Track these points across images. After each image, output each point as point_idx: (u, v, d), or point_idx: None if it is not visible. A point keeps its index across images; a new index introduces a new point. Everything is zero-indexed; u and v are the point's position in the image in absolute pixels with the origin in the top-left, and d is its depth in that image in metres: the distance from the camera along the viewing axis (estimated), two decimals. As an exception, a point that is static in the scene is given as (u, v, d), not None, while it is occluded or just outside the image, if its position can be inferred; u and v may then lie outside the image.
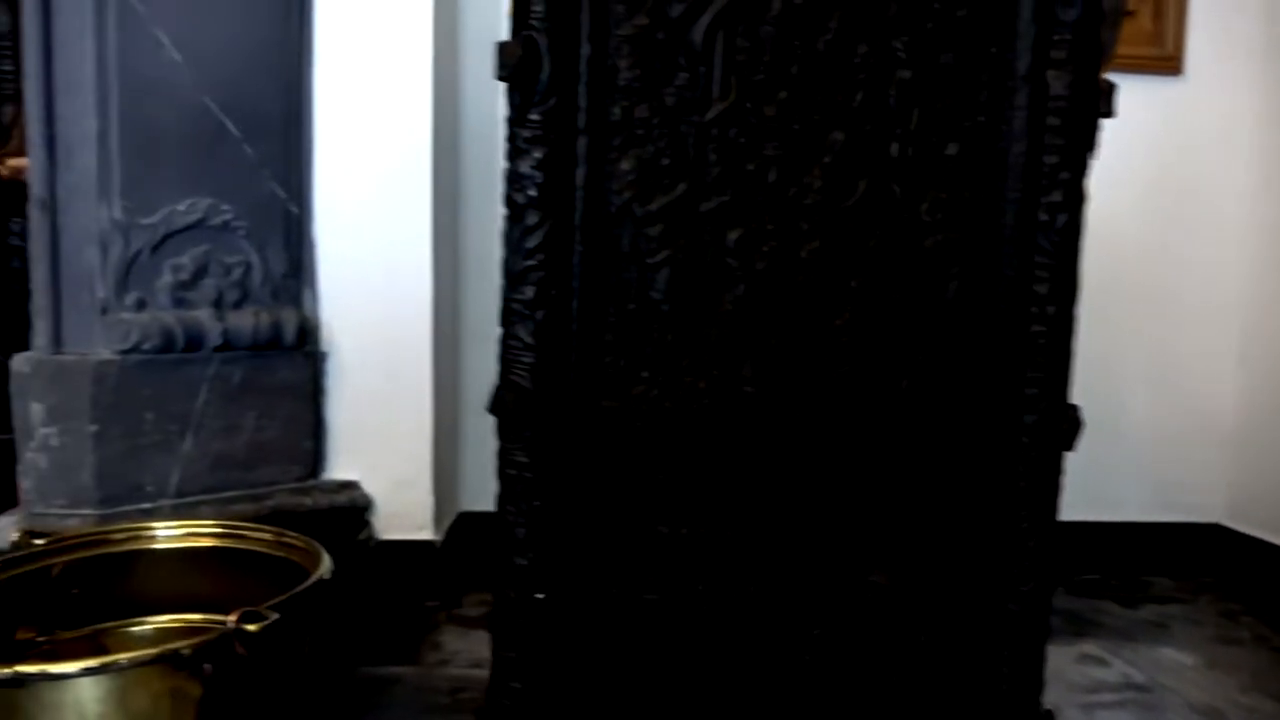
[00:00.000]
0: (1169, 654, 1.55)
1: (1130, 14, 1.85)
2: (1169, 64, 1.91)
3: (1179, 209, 1.95)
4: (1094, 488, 1.81)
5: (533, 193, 0.79)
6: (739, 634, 0.85)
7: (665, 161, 0.81)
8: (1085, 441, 0.87)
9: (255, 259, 1.48)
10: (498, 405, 0.82)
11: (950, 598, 0.86)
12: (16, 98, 1.87)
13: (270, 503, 1.47)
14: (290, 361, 1.51)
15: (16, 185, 1.74)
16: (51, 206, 1.35)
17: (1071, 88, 0.82)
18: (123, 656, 0.93)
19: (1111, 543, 1.94)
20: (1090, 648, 1.56)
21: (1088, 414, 0.86)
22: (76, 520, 1.34)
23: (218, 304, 1.44)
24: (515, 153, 0.80)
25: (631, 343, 0.83)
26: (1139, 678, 1.45)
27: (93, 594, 1.16)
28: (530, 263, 0.80)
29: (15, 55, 1.82)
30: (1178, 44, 1.92)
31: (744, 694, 0.86)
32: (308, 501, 1.51)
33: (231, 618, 0.92)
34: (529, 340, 0.80)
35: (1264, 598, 1.81)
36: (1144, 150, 1.89)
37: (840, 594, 0.85)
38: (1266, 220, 1.93)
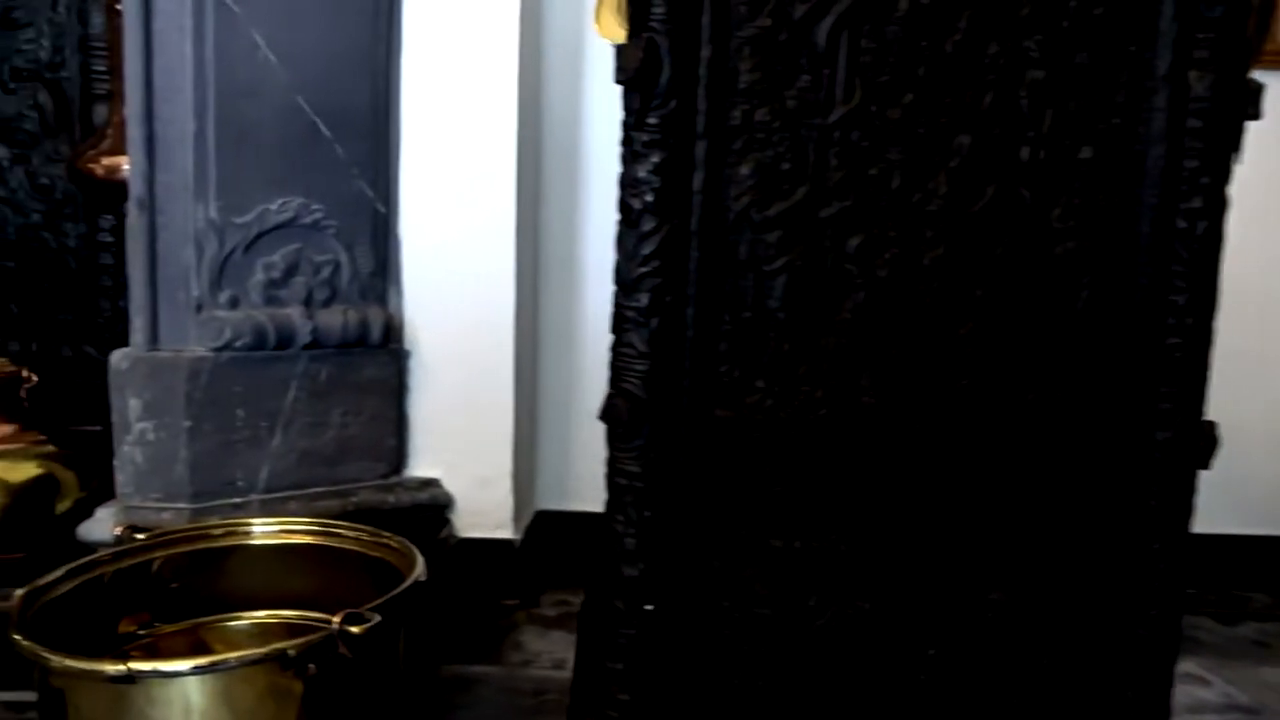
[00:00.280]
0: (1272, 674, 1.49)
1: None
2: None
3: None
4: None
5: (649, 198, 0.78)
6: (852, 652, 0.83)
7: (785, 166, 0.79)
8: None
9: (344, 257, 1.49)
10: (609, 413, 0.81)
11: (1074, 620, 0.83)
12: (109, 98, 1.92)
13: (355, 499, 1.49)
14: (376, 359, 1.52)
15: (109, 185, 1.78)
16: (150, 206, 1.37)
17: (1215, 88, 0.77)
18: (231, 655, 0.94)
19: (1206, 556, 1.86)
20: (1189, 666, 1.50)
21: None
22: (170, 514, 1.36)
23: (307, 302, 1.46)
24: (632, 157, 0.78)
25: (747, 351, 0.81)
26: (1243, 699, 1.40)
27: (191, 588, 1.17)
28: (645, 269, 0.78)
29: (110, 56, 1.87)
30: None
31: (855, 715, 0.83)
32: (391, 499, 1.53)
33: (335, 619, 0.93)
34: (642, 348, 0.79)
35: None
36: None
37: (958, 613, 0.82)
38: None
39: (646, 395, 0.79)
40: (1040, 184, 0.80)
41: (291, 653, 0.91)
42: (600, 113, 1.75)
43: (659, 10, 0.76)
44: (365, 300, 1.52)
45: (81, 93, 2.07)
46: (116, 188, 1.72)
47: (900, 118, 0.79)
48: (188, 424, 1.37)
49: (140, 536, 1.15)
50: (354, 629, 0.92)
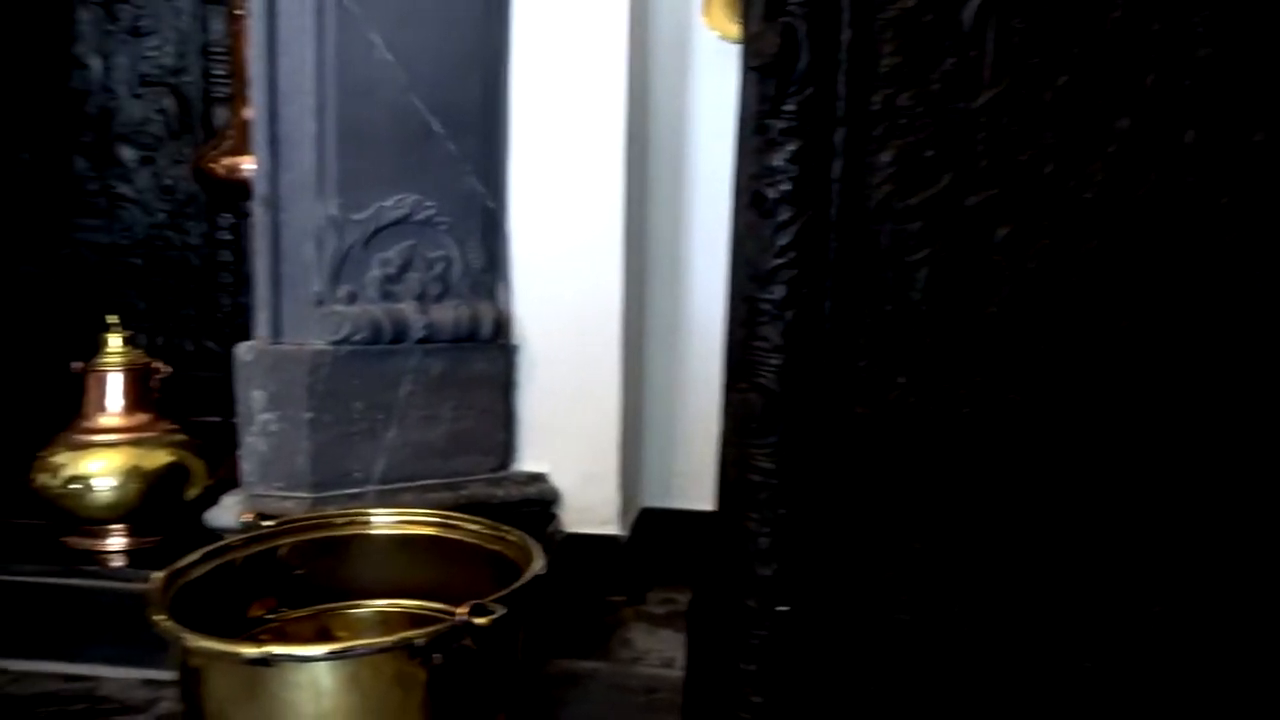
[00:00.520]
0: None
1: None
2: None
3: None
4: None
5: (786, 187, 0.76)
6: (999, 663, 0.79)
7: (929, 153, 0.76)
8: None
9: (456, 253, 1.51)
10: (742, 408, 0.79)
11: (1243, 638, 0.78)
12: (229, 101, 1.99)
13: (465, 492, 1.51)
14: (486, 354, 1.54)
15: (229, 184, 1.84)
16: (274, 204, 1.41)
17: (1407, 63, 0.71)
18: (361, 642, 0.96)
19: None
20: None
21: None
22: (292, 503, 1.40)
23: (421, 297, 1.48)
24: (767, 145, 0.76)
25: (887, 346, 0.78)
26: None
27: (314, 575, 1.20)
28: (781, 260, 0.77)
29: (230, 60, 1.94)
30: None
31: (999, 724, 0.80)
32: (499, 493, 1.54)
33: (462, 610, 0.94)
34: (778, 341, 0.77)
35: None
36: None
37: (1117, 625, 0.78)
38: None
39: (781, 390, 0.77)
40: (1207, 170, 0.75)
41: (419, 642, 0.93)
42: (707, 109, 1.74)
43: (798, -6, 0.73)
44: (476, 296, 1.54)
45: (203, 96, 2.15)
46: (236, 187, 1.79)
47: (1053, 100, 0.75)
48: (309, 415, 1.41)
49: (268, 524, 1.19)
50: (479, 620, 0.93)
